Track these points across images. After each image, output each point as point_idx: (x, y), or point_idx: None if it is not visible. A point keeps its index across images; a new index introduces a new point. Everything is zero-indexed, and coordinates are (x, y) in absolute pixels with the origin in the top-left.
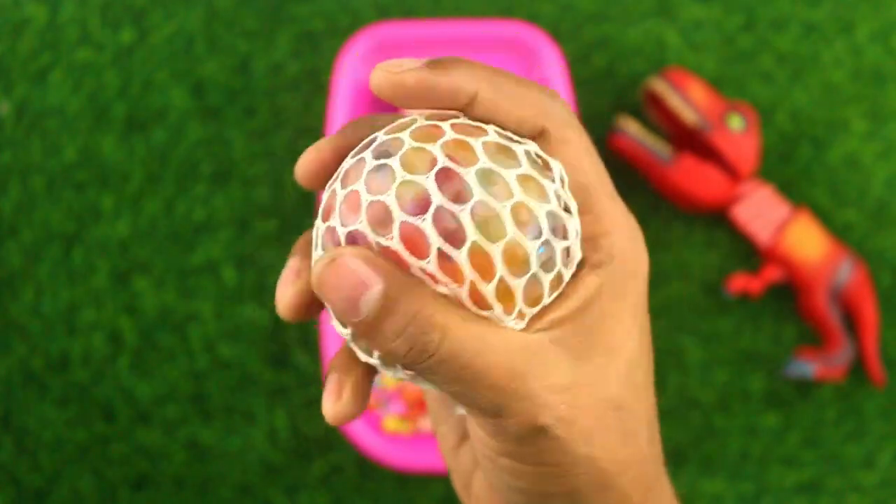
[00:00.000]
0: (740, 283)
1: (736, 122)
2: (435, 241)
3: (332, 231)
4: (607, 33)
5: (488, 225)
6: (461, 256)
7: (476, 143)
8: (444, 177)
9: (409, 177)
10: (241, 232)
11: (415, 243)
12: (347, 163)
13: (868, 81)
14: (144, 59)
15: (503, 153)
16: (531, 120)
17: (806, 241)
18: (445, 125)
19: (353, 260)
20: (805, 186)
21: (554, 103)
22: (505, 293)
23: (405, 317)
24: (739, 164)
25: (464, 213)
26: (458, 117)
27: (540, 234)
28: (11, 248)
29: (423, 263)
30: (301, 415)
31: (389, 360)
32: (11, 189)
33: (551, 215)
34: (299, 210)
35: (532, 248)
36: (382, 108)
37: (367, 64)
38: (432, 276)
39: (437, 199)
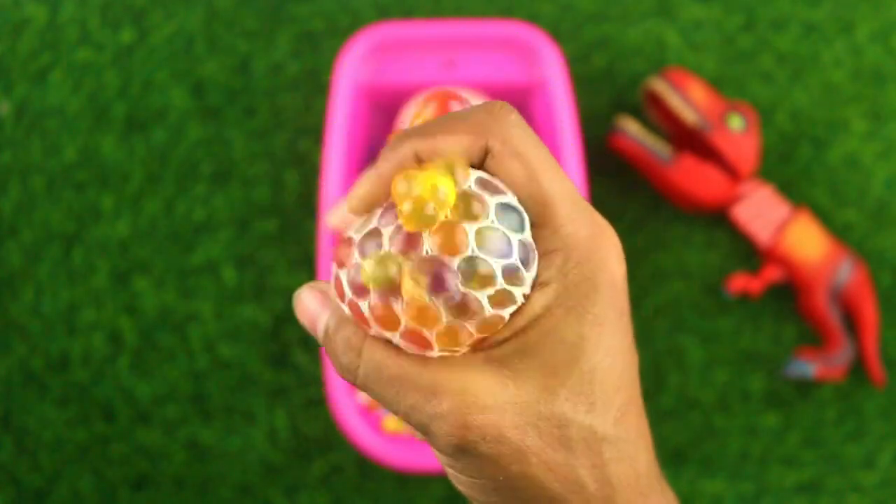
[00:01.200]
0: (740, 283)
1: (736, 122)
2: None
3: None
4: (607, 33)
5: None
6: (397, 306)
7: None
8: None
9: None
10: (240, 232)
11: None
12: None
13: (868, 81)
14: (144, 59)
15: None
16: (474, 145)
17: (806, 241)
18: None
19: (309, 295)
20: (805, 186)
21: (498, 121)
22: (442, 334)
23: (341, 341)
24: (739, 164)
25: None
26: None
27: (452, 286)
28: (11, 247)
29: (365, 309)
30: (301, 415)
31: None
32: (11, 189)
33: (468, 264)
34: (299, 210)
35: (440, 302)
36: (382, 108)
37: (368, 64)
38: (373, 320)
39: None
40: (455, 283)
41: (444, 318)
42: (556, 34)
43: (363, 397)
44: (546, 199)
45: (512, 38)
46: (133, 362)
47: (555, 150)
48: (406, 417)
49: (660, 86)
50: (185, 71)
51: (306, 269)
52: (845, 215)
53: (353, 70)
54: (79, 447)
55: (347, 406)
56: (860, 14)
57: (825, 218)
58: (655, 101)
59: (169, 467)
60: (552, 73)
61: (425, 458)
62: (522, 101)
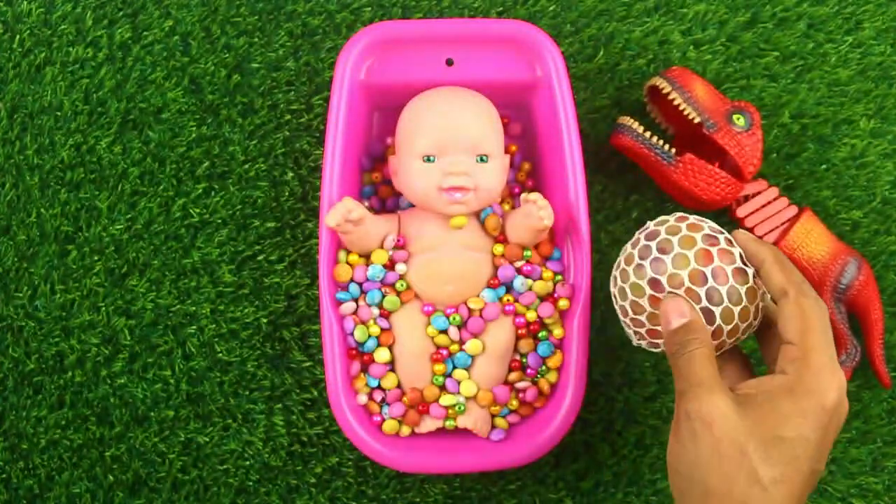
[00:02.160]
0: None
1: (740, 122)
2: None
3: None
4: (609, 31)
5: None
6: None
7: (714, 251)
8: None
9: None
10: (238, 232)
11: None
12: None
13: (874, 80)
14: (140, 57)
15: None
16: (779, 286)
17: (810, 242)
18: (698, 236)
19: (682, 303)
20: (811, 186)
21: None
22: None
23: (683, 335)
24: (744, 164)
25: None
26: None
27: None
28: (5, 247)
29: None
30: (300, 416)
31: (665, 347)
32: (5, 188)
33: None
34: (297, 210)
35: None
36: (382, 107)
37: (367, 63)
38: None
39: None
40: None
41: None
42: (558, 32)
43: (362, 398)
44: (809, 348)
45: (512, 37)
46: (129, 364)
47: (555, 149)
48: (677, 384)
49: (663, 84)
50: (182, 69)
51: (305, 269)
52: (851, 215)
53: (352, 69)
54: (74, 450)
55: (347, 407)
56: (866, 12)
57: (831, 217)
58: (658, 99)
59: (165, 470)
60: (552, 71)
61: (424, 460)
62: (523, 99)
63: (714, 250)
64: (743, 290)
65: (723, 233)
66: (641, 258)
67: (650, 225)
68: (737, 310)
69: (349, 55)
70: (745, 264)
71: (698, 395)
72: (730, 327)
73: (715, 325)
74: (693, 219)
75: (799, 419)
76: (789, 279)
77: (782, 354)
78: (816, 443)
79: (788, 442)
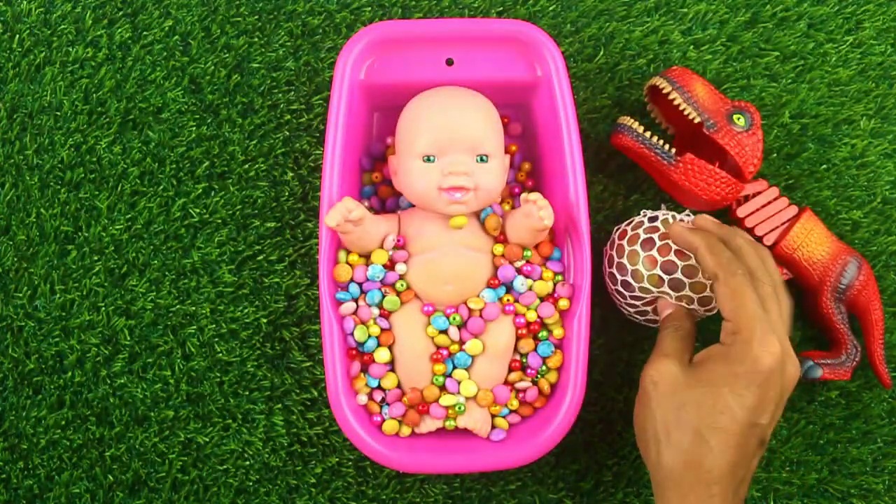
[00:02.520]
0: None
1: (741, 122)
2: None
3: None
4: (610, 30)
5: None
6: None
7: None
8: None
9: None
10: (238, 232)
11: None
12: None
13: (875, 79)
14: (140, 57)
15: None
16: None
17: (811, 242)
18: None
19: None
20: (811, 186)
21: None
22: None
23: (666, 322)
24: (744, 164)
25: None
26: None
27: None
28: (5, 247)
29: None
30: (300, 416)
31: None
32: (5, 188)
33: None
34: (297, 210)
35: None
36: (382, 107)
37: (367, 62)
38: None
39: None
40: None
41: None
42: (558, 32)
43: (362, 398)
44: (750, 320)
45: (512, 37)
46: (129, 364)
47: (555, 148)
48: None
49: (663, 84)
50: (182, 69)
51: (305, 269)
52: (851, 215)
53: (352, 69)
54: (73, 450)
55: (347, 407)
56: (866, 11)
57: (831, 217)
58: (658, 99)
59: (165, 470)
60: (552, 71)
61: (425, 459)
62: (523, 99)
63: (654, 253)
64: (692, 262)
65: (658, 229)
66: (618, 261)
67: (615, 238)
68: (689, 283)
69: (349, 55)
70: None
71: (654, 361)
72: (699, 296)
73: (683, 295)
74: (631, 227)
75: (731, 378)
76: (718, 262)
77: (722, 329)
78: (753, 398)
79: (724, 398)
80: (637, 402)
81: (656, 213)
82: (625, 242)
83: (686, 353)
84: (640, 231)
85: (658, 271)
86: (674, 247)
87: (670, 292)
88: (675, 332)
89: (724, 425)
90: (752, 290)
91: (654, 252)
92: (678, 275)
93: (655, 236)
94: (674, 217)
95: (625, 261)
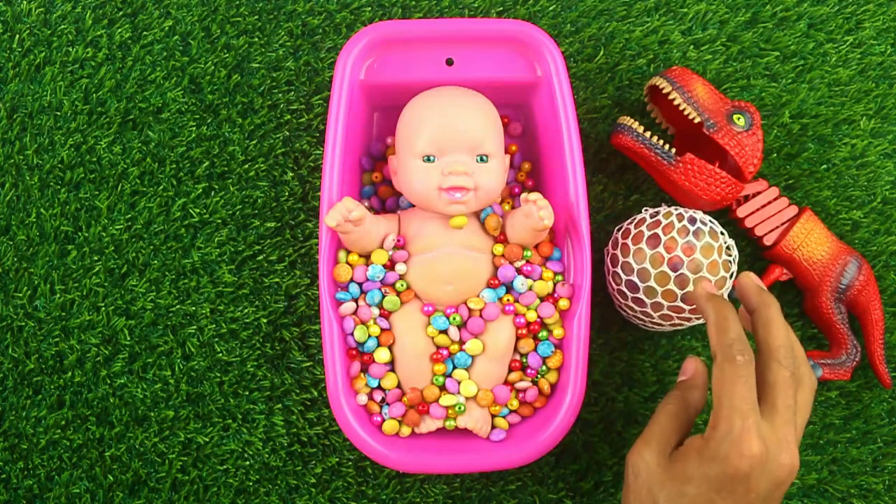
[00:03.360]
0: None
1: (741, 121)
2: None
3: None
4: (610, 31)
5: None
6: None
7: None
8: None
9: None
10: (238, 232)
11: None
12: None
13: (875, 79)
14: (140, 57)
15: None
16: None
17: (811, 242)
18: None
19: (688, 362)
20: (811, 186)
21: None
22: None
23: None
24: (744, 164)
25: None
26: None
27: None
28: (5, 247)
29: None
30: (300, 417)
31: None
32: (4, 188)
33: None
34: (297, 210)
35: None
36: (382, 107)
37: (367, 62)
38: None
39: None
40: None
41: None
42: (558, 32)
43: (362, 398)
44: (732, 413)
45: (512, 37)
46: (129, 364)
47: (555, 148)
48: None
49: (664, 84)
50: (182, 69)
51: (305, 269)
52: (851, 215)
53: (352, 69)
54: (73, 450)
55: (347, 407)
56: (866, 11)
57: (831, 217)
58: (658, 99)
59: (165, 470)
60: (552, 71)
61: (425, 459)
62: (523, 99)
63: (661, 250)
64: (698, 251)
65: (660, 223)
66: (623, 260)
67: (619, 238)
68: (692, 278)
69: (349, 55)
70: (694, 237)
71: (637, 447)
72: (716, 278)
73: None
74: (634, 225)
75: (700, 480)
76: (720, 342)
77: (710, 418)
78: (724, 503)
79: (690, 499)
80: (624, 483)
81: (658, 209)
82: (629, 241)
83: (675, 437)
84: (644, 228)
85: (665, 268)
86: (680, 241)
87: (676, 290)
88: (674, 413)
89: None
90: (745, 381)
91: (661, 249)
92: (684, 270)
93: (659, 231)
94: (676, 212)
95: (630, 259)
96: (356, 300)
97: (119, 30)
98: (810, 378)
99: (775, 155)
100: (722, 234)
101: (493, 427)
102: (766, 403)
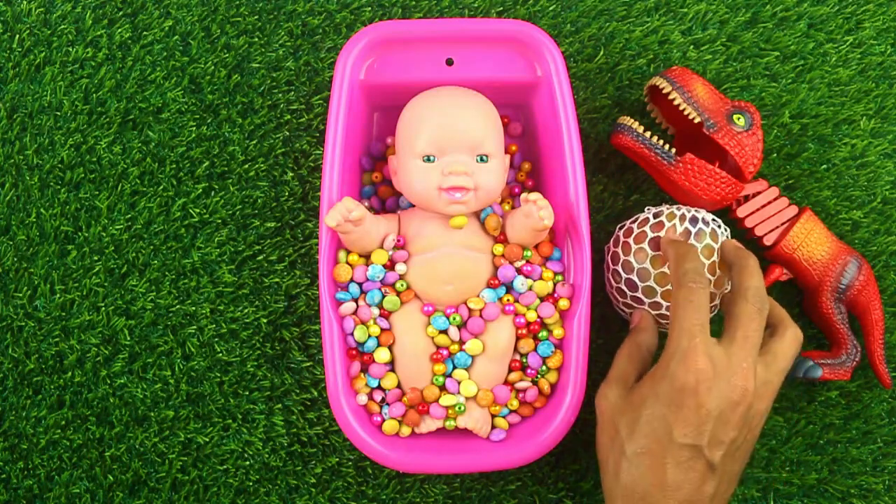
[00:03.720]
0: None
1: (741, 121)
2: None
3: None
4: (610, 30)
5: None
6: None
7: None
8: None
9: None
10: (238, 232)
11: None
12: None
13: (875, 79)
14: (140, 57)
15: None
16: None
17: (811, 242)
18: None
19: (637, 313)
20: (811, 186)
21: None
22: None
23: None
24: (744, 164)
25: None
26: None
27: None
28: (5, 247)
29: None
30: (300, 417)
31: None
32: (4, 187)
33: None
34: (297, 210)
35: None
36: (382, 107)
37: (367, 62)
38: None
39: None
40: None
41: None
42: (558, 32)
43: (362, 397)
44: (682, 337)
45: (512, 37)
46: (129, 364)
47: (555, 148)
48: None
49: (664, 84)
50: (182, 69)
51: (305, 269)
52: (851, 215)
53: (352, 69)
54: (73, 450)
55: (347, 407)
56: (866, 11)
57: (831, 217)
58: (658, 99)
59: (165, 470)
60: (552, 71)
61: (425, 459)
62: (523, 99)
63: (645, 246)
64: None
65: (663, 225)
66: (624, 259)
67: (620, 236)
68: (707, 263)
69: (349, 55)
70: (696, 239)
71: (600, 389)
72: (715, 277)
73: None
74: (637, 224)
75: (653, 399)
76: (675, 272)
77: None
78: (675, 418)
79: (646, 419)
80: (597, 427)
81: (661, 208)
82: (631, 240)
83: (633, 375)
84: (647, 229)
85: (666, 269)
86: None
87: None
88: (628, 354)
89: (647, 447)
90: (695, 305)
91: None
92: None
93: (662, 233)
94: (679, 213)
95: (631, 258)
96: (356, 300)
97: (119, 30)
98: (794, 332)
99: (775, 155)
100: (724, 232)
101: (493, 427)
102: (727, 333)
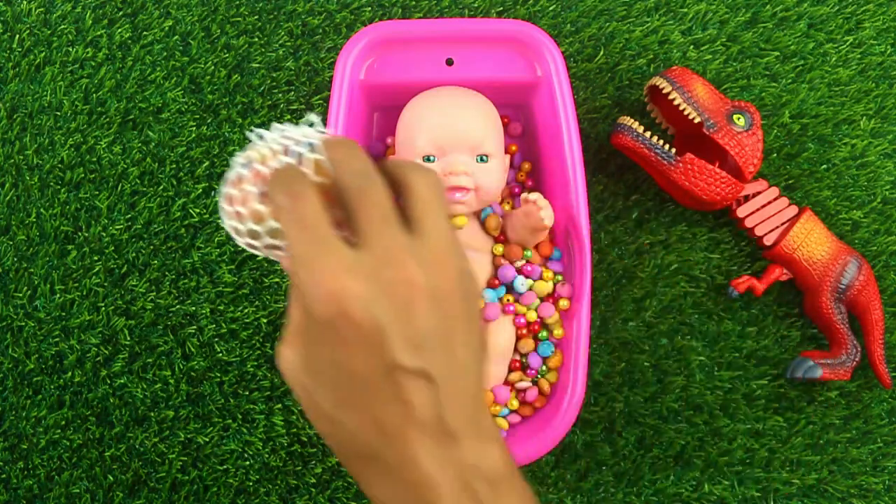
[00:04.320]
0: (745, 284)
1: (741, 121)
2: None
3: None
4: (610, 31)
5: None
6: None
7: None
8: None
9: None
10: None
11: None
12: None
13: (875, 79)
14: (140, 57)
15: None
16: None
17: (811, 242)
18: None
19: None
20: (811, 186)
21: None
22: None
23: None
24: (744, 164)
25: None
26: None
27: None
28: (5, 247)
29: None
30: (299, 417)
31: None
32: (5, 188)
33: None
34: None
35: None
36: (382, 107)
37: (367, 62)
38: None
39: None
40: None
41: None
42: (558, 32)
43: None
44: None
45: (512, 37)
46: (129, 364)
47: (555, 148)
48: None
49: (664, 84)
50: (182, 69)
51: None
52: (851, 215)
53: (352, 69)
54: (73, 450)
55: None
56: (866, 11)
57: (831, 217)
58: (658, 99)
59: (165, 470)
60: (552, 71)
61: None
62: (523, 99)
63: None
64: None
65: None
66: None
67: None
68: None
69: (349, 55)
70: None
71: (277, 352)
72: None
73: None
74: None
75: (294, 303)
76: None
77: None
78: (312, 324)
79: (315, 364)
80: None
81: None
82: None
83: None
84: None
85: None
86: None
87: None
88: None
89: (343, 399)
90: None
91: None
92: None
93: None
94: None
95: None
96: None
97: (119, 30)
98: (422, 180)
99: (775, 155)
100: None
101: None
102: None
